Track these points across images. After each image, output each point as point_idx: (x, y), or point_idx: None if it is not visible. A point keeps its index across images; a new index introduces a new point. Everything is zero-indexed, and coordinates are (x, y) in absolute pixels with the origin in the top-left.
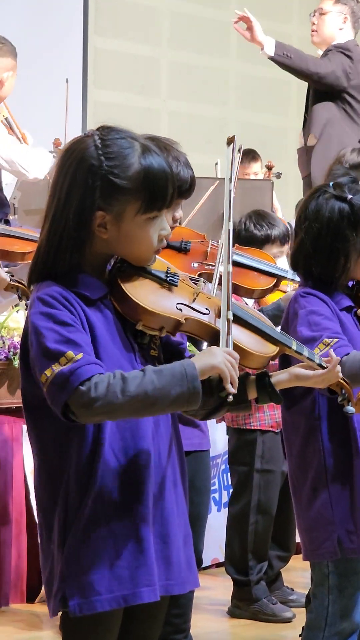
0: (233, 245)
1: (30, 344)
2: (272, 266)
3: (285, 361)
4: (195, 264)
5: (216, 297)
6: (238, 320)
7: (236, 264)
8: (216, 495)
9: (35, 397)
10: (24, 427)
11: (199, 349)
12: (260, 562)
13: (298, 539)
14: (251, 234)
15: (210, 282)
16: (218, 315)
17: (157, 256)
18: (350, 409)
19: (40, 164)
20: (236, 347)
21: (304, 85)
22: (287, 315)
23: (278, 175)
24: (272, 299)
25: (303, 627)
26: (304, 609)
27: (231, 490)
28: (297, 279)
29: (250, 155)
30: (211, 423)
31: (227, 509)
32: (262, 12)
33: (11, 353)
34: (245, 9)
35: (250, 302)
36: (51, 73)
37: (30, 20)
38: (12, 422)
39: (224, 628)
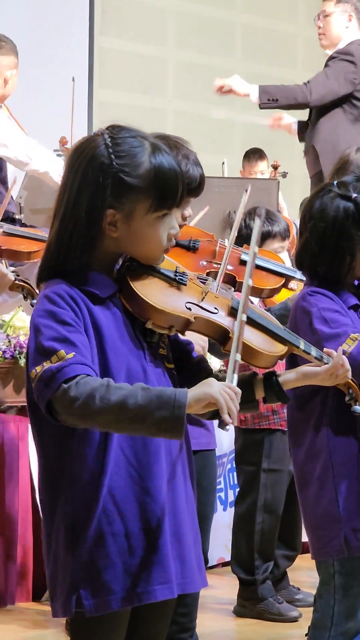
0: (241, 245)
1: (29, 340)
2: (281, 266)
3: (293, 362)
4: (204, 262)
5: (224, 297)
6: (247, 319)
7: (244, 263)
8: (222, 494)
9: None
10: (30, 425)
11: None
12: (267, 561)
13: (304, 539)
14: (251, 230)
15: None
16: (227, 314)
17: (165, 256)
18: (358, 408)
19: (43, 158)
20: (245, 347)
21: None
22: (294, 315)
23: (284, 175)
24: (278, 298)
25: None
26: (310, 608)
27: (237, 490)
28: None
29: (257, 154)
30: (217, 423)
31: (232, 508)
32: (268, 12)
33: (17, 352)
34: (216, 82)
35: (256, 300)
36: (56, 73)
37: (36, 20)
38: (18, 420)
39: (229, 627)
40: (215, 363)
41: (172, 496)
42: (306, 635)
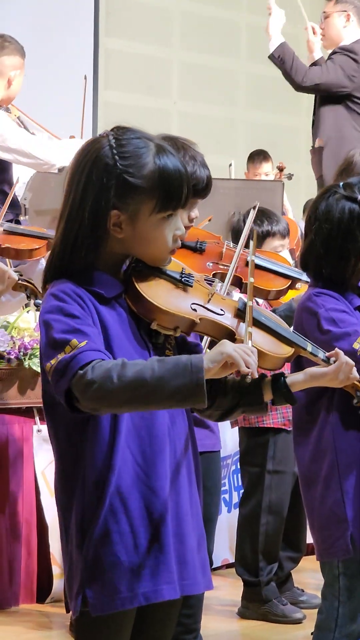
0: (247, 247)
1: (40, 337)
2: (288, 268)
3: (298, 364)
4: (210, 264)
5: (231, 299)
6: (254, 321)
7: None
8: (226, 496)
9: (51, 395)
10: (34, 427)
11: None
12: (271, 563)
13: (309, 540)
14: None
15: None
16: (233, 315)
17: (172, 257)
18: None
19: (63, 152)
20: None
21: None
22: (299, 316)
23: (289, 177)
24: (283, 299)
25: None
26: (315, 610)
27: (242, 491)
28: None
29: (261, 155)
30: (221, 423)
31: (237, 509)
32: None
33: (21, 353)
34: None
35: (262, 302)
36: (62, 74)
37: (41, 21)
38: (23, 422)
39: (234, 629)
40: None
41: (176, 497)
42: (312, 634)
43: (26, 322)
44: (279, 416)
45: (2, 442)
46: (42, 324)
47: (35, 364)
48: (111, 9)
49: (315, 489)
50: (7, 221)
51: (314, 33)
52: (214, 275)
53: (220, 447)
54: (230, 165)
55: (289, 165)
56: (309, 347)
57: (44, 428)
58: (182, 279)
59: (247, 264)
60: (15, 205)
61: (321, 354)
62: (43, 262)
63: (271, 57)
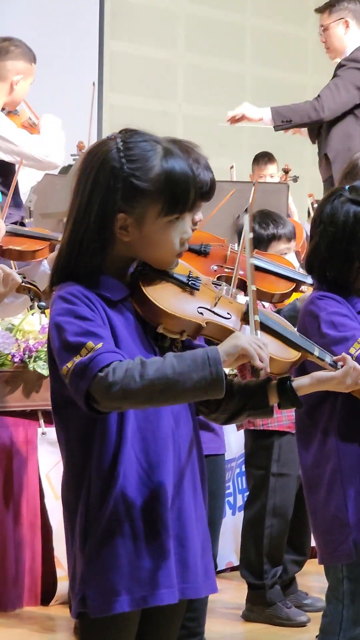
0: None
1: (51, 339)
2: (292, 271)
3: (301, 367)
4: (215, 267)
5: (238, 302)
6: (261, 325)
7: (256, 268)
8: (231, 499)
9: (62, 396)
10: (39, 430)
11: None
12: (275, 566)
13: (313, 543)
14: (257, 233)
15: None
16: (240, 319)
17: (179, 260)
18: None
19: (54, 148)
20: None
21: (320, 88)
22: (303, 318)
23: (295, 179)
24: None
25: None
26: (319, 613)
27: (246, 494)
28: None
29: (265, 157)
30: (226, 426)
31: (241, 512)
32: (277, 15)
33: (26, 356)
34: (229, 113)
35: (267, 305)
36: (67, 77)
37: (46, 24)
38: (27, 425)
39: (238, 632)
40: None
41: (179, 500)
42: (317, 637)
43: (31, 324)
44: (284, 419)
45: (6, 445)
46: (54, 327)
47: (39, 367)
48: (116, 11)
49: (318, 493)
50: (12, 223)
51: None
52: (219, 278)
53: (225, 450)
54: (231, 167)
55: (294, 168)
56: (316, 351)
57: (49, 431)
58: (189, 282)
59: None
60: (20, 208)
61: (328, 358)
62: (46, 264)
63: (277, 128)
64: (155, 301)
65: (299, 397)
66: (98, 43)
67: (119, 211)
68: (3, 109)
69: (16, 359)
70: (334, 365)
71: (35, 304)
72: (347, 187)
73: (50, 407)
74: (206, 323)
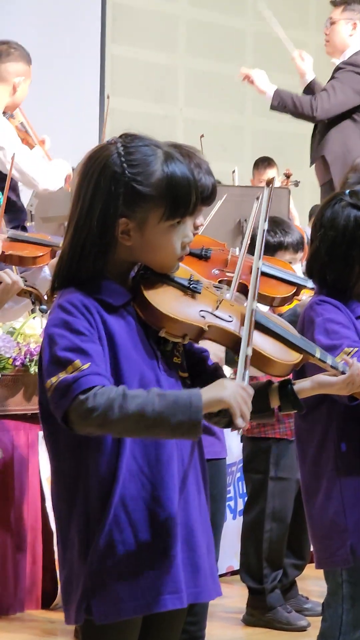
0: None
1: (43, 349)
2: (293, 275)
3: (300, 369)
4: (216, 271)
5: (239, 305)
6: (261, 327)
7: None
8: (231, 503)
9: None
10: (40, 433)
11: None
12: (275, 570)
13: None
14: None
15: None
16: (242, 322)
17: (180, 264)
18: None
19: (53, 176)
20: (259, 355)
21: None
22: (302, 322)
23: (296, 184)
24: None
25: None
26: (319, 617)
27: (246, 498)
28: None
29: (265, 162)
30: (227, 430)
31: (242, 516)
32: (279, 20)
33: (27, 359)
34: (243, 68)
35: (266, 308)
36: (69, 81)
37: (48, 29)
38: (28, 428)
39: (238, 636)
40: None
41: (185, 506)
42: None
43: (32, 328)
44: (282, 427)
45: (7, 449)
46: (47, 338)
47: None
48: (118, 15)
49: (316, 498)
50: (13, 228)
51: (301, 59)
52: (220, 282)
53: (226, 454)
54: (233, 171)
55: (295, 172)
56: (318, 354)
57: None
58: (191, 286)
59: (251, 271)
60: (21, 212)
61: (330, 360)
62: (47, 270)
63: (273, 108)
64: (156, 305)
65: (300, 400)
66: (100, 47)
67: (121, 216)
68: (5, 113)
69: (17, 363)
70: (336, 367)
71: (37, 307)
72: (347, 191)
73: None
74: (208, 326)
